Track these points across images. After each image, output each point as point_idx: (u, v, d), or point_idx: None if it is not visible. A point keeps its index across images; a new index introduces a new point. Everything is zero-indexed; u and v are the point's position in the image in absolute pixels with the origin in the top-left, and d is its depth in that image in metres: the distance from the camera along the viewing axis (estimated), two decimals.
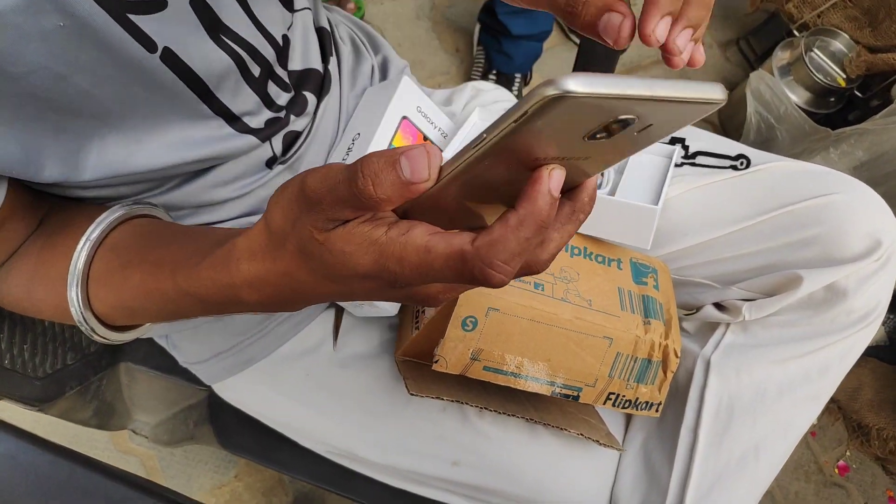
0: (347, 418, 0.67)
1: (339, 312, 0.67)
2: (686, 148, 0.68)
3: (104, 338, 0.47)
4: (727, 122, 1.57)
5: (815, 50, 1.39)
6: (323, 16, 0.62)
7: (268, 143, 0.55)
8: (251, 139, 0.52)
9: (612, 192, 0.63)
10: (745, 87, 1.30)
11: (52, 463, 0.43)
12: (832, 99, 1.40)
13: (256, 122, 0.53)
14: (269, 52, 0.51)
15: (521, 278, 0.60)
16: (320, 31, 0.61)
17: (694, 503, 0.64)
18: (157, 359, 0.79)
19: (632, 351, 0.61)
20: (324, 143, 0.61)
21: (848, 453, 1.31)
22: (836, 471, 1.30)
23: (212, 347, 0.66)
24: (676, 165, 0.67)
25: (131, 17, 0.38)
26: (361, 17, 1.46)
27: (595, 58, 0.86)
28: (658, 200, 0.60)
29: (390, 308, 0.62)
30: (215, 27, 0.45)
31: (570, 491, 0.69)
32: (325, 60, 0.61)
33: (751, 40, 1.67)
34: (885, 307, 0.64)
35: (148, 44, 0.40)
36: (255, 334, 0.65)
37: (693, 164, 0.67)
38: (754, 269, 0.65)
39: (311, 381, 0.67)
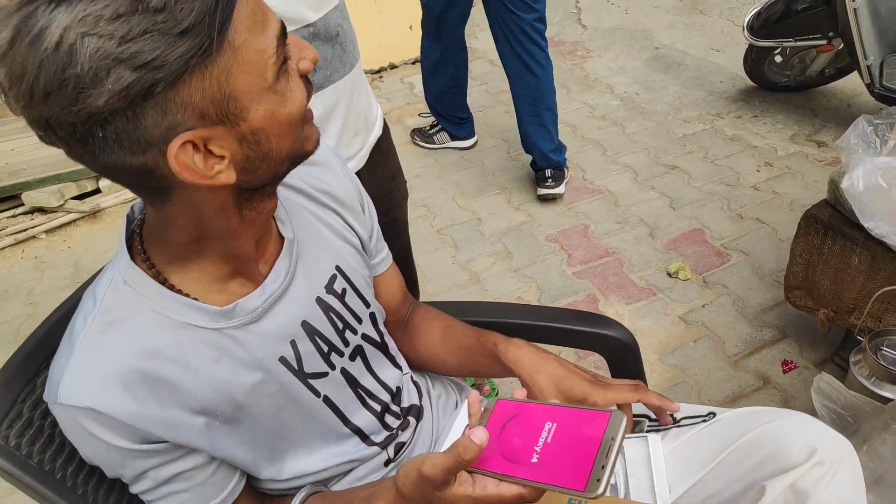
0: None
1: None
2: (674, 418, 0.95)
3: None
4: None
5: (885, 348, 1.58)
6: (421, 376, 1.05)
7: (385, 451, 0.92)
8: (376, 449, 0.90)
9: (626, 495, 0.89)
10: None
11: None
12: None
13: (378, 438, 0.91)
14: (385, 397, 0.92)
15: None
16: (416, 384, 1.03)
17: None
18: None
19: None
20: (422, 449, 0.97)
21: None
22: None
23: None
24: (667, 428, 0.94)
25: (310, 381, 0.81)
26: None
27: None
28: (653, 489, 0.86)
29: None
30: (354, 384, 0.88)
31: None
32: (420, 399, 1.01)
33: (841, 354, 1.86)
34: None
35: (316, 393, 0.82)
36: None
37: (678, 426, 0.94)
38: (740, 490, 0.85)
39: None
